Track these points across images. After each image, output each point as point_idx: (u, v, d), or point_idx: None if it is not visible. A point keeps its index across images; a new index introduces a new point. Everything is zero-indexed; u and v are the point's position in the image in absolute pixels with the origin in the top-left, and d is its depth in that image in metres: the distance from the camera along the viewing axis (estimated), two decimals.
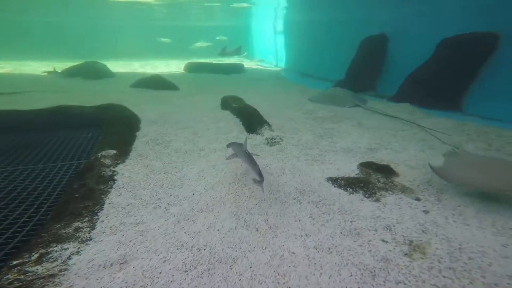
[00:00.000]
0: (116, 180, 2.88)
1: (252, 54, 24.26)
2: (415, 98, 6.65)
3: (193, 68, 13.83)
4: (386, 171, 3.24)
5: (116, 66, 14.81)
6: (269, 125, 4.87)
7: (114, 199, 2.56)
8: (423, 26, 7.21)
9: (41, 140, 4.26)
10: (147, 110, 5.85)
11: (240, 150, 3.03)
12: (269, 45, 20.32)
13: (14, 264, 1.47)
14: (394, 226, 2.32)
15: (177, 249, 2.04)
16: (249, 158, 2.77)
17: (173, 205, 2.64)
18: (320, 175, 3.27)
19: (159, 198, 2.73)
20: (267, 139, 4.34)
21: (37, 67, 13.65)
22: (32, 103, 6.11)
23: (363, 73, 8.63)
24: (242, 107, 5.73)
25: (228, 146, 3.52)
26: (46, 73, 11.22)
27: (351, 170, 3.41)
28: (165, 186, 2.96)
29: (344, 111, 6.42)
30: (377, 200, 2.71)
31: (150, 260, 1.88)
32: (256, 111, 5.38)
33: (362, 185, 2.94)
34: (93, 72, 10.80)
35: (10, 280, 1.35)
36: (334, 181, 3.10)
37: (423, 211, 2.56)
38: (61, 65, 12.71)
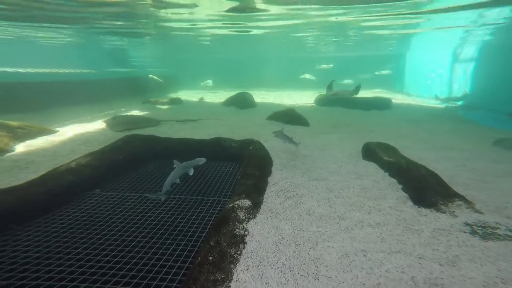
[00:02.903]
0: (246, 243, 2.54)
1: (400, 87, 20.65)
2: None
3: (324, 101, 12.98)
4: None
5: (258, 96, 16.98)
6: (466, 201, 3.14)
7: (241, 275, 2.16)
8: None
9: (199, 170, 4.90)
10: (278, 150, 5.60)
11: (280, 134, 5.37)
12: (429, 77, 16.38)
13: None
14: None
15: None
16: (287, 137, 5.27)
17: None
18: None
19: None
20: (469, 224, 2.74)
21: (212, 97, 18.15)
22: (203, 129, 7.65)
23: None
24: (402, 164, 4.06)
25: (273, 132, 5.61)
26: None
27: None
28: (295, 269, 2.28)
29: None
30: None
31: None
32: (435, 174, 3.64)
33: None
34: (242, 103, 12.71)
35: None
36: None
37: None
38: (228, 93, 16.54)
